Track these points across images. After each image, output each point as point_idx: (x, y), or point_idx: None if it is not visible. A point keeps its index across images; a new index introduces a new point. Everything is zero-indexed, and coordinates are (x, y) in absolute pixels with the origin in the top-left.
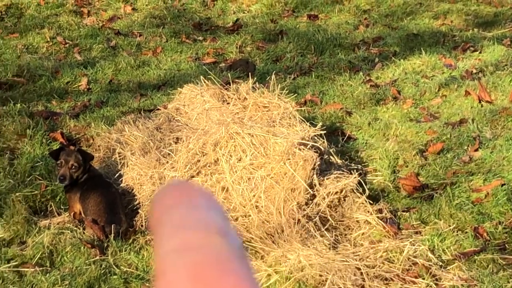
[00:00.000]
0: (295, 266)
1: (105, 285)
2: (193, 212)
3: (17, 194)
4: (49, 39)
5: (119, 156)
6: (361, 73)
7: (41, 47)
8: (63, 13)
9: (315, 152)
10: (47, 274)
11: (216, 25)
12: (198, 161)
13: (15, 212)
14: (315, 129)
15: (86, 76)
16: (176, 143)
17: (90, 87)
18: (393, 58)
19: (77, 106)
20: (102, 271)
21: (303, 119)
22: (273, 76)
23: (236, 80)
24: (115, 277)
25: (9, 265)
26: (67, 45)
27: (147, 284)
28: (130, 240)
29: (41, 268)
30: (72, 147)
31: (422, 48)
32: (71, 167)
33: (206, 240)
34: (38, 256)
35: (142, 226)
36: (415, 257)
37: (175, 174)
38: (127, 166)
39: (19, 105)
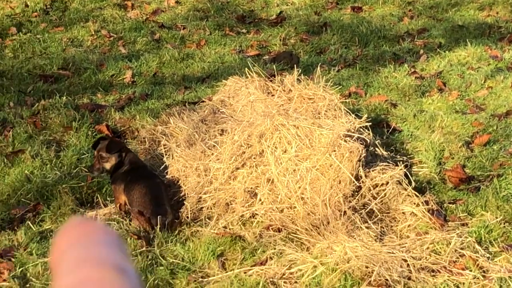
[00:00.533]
0: (341, 258)
1: (151, 276)
2: (92, 250)
3: (63, 185)
4: (93, 32)
5: (164, 148)
6: (406, 65)
7: (86, 40)
8: (107, 7)
9: (360, 144)
10: None
11: (259, 18)
12: (243, 152)
13: (62, 203)
14: (361, 121)
15: (131, 69)
16: (221, 135)
17: (135, 80)
18: (438, 49)
19: (122, 99)
20: (149, 262)
21: (348, 111)
22: (318, 68)
23: (281, 72)
24: (161, 268)
25: None
26: (111, 38)
27: (193, 275)
28: (176, 232)
29: None
30: (116, 138)
31: (467, 40)
32: (100, 158)
33: (103, 277)
34: None
35: (187, 217)
36: (462, 249)
37: (220, 166)
38: (173, 158)
39: (64, 97)
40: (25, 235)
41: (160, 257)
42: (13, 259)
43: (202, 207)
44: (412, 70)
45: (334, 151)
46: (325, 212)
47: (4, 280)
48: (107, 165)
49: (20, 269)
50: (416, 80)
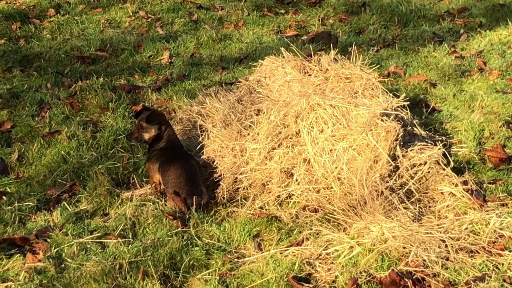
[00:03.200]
0: (378, 238)
1: (186, 256)
2: None
3: (100, 166)
4: (131, 14)
5: (201, 129)
6: (445, 44)
7: (123, 22)
8: None
9: (398, 123)
10: (130, 245)
11: None
12: (280, 133)
13: (98, 184)
14: (398, 100)
15: (168, 50)
16: (257, 115)
17: (172, 60)
18: (478, 29)
19: (159, 80)
20: (184, 243)
21: (386, 90)
22: (353, 47)
23: (318, 52)
24: (196, 248)
25: (92, 236)
26: (149, 20)
27: (229, 256)
28: (212, 212)
29: (123, 239)
30: (159, 111)
31: (508, 19)
32: (140, 127)
33: None
34: (120, 228)
35: (223, 198)
36: (501, 229)
37: (257, 146)
38: (209, 138)
39: (102, 79)
40: (61, 215)
41: (195, 238)
42: (48, 240)
43: (238, 188)
44: (452, 49)
45: (371, 130)
46: (362, 192)
47: (40, 260)
48: (146, 136)
49: (56, 249)
50: (456, 60)
